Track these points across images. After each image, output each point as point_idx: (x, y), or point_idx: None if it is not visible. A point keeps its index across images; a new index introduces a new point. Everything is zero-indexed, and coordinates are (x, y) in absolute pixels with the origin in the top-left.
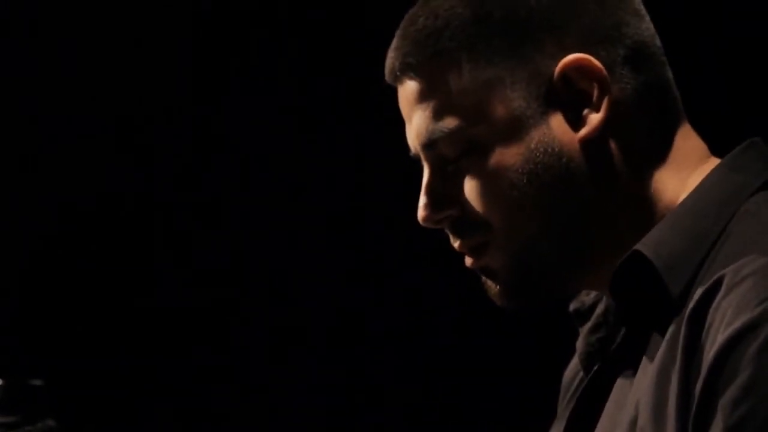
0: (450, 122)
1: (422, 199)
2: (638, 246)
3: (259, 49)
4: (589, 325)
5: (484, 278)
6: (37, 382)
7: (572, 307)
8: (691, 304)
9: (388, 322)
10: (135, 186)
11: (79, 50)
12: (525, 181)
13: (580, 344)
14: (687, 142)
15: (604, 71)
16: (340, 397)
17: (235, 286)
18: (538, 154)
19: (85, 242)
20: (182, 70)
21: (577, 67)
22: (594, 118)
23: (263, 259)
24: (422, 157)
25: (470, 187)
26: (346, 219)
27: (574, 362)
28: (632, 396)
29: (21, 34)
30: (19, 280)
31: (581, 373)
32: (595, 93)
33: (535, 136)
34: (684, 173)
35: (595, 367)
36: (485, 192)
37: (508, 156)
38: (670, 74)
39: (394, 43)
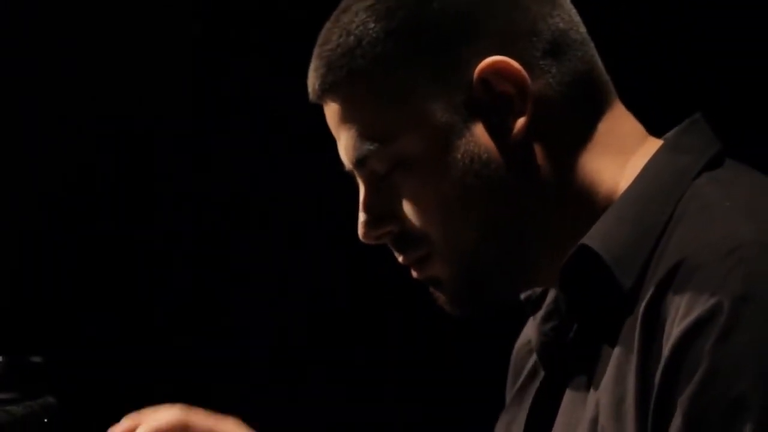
0: (376, 140)
1: (361, 216)
2: (585, 240)
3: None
4: (541, 313)
5: (432, 288)
6: (37, 359)
7: (523, 295)
8: (645, 299)
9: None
10: (136, 167)
11: (74, 47)
12: (456, 191)
13: (533, 334)
14: (621, 125)
15: (523, 71)
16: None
17: (232, 268)
18: (465, 163)
19: (83, 220)
20: (179, 61)
21: (494, 70)
22: (518, 120)
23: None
24: (356, 174)
25: (404, 202)
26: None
27: (524, 341)
28: (592, 393)
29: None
30: (18, 259)
31: (533, 360)
32: (516, 94)
33: (461, 146)
34: (621, 158)
35: (551, 364)
36: (418, 206)
37: (436, 168)
38: (597, 59)
39: (312, 63)
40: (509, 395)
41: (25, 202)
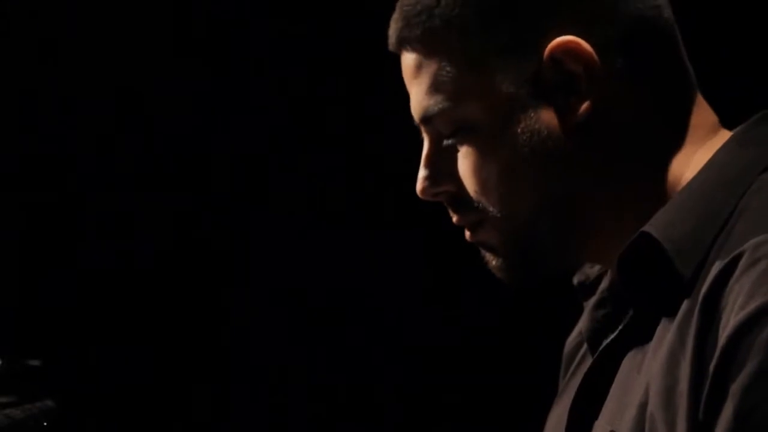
0: (441, 100)
1: (421, 172)
2: (646, 227)
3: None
4: (593, 299)
5: (483, 251)
6: (36, 363)
7: (576, 280)
8: (704, 288)
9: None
10: (135, 169)
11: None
12: (511, 163)
13: (585, 319)
14: (696, 115)
15: (594, 53)
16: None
17: (236, 267)
18: (524, 137)
19: (82, 222)
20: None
21: (566, 49)
22: (583, 102)
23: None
24: (422, 129)
25: (462, 167)
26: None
27: (576, 333)
28: (642, 379)
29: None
30: (17, 262)
31: (584, 348)
32: (584, 76)
33: (522, 119)
34: (690, 149)
35: (602, 347)
36: (475, 173)
37: (495, 138)
38: (680, 47)
39: (395, 13)
40: (561, 386)
41: (24, 204)
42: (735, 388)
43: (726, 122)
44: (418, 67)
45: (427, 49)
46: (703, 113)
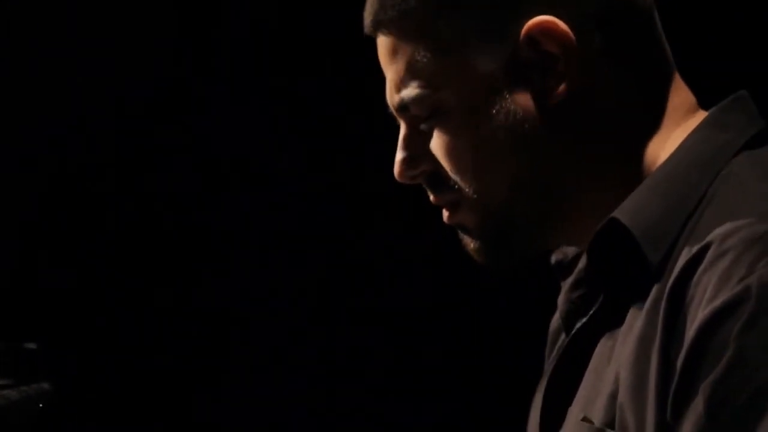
0: (417, 85)
1: (398, 155)
2: (616, 213)
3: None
4: (570, 280)
5: (461, 234)
6: (32, 346)
7: (554, 259)
8: (672, 277)
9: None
10: (135, 158)
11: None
12: (487, 145)
13: (561, 300)
14: (673, 96)
15: (571, 33)
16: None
17: (234, 257)
18: (500, 118)
19: (79, 205)
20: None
21: (542, 30)
22: (560, 82)
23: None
24: (397, 114)
25: (439, 149)
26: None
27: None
28: (612, 366)
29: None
30: (13, 244)
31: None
32: (561, 56)
33: (498, 101)
34: (667, 130)
35: (574, 330)
36: (451, 154)
37: (472, 120)
38: (657, 28)
39: None
40: (546, 365)
41: (21, 187)
42: (706, 383)
43: (704, 103)
44: (394, 51)
45: (402, 32)
46: (681, 94)
